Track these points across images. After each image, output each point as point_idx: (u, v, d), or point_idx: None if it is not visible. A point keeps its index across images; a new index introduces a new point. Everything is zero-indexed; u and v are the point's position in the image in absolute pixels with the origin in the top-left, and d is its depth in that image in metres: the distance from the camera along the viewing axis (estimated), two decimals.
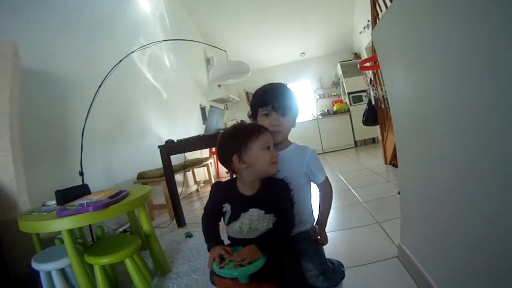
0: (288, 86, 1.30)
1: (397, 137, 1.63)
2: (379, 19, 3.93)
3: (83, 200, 1.68)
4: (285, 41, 8.05)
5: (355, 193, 3.21)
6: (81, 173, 2.54)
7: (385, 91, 3.88)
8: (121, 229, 3.01)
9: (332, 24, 7.58)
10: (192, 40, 5.08)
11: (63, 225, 1.57)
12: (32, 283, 1.94)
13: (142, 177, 3.48)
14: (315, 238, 1.24)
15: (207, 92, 7.33)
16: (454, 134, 0.97)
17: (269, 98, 1.22)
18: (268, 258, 1.01)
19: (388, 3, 3.42)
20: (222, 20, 7.06)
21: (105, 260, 1.66)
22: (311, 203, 1.32)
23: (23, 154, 2.18)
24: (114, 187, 3.10)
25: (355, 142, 8.17)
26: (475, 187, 0.90)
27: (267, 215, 1.07)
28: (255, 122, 1.24)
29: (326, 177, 1.30)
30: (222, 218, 1.18)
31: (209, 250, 1.08)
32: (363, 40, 7.34)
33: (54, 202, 2.00)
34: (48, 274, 1.79)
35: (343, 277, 1.29)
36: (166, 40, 4.76)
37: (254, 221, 1.07)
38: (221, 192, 1.17)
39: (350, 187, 3.53)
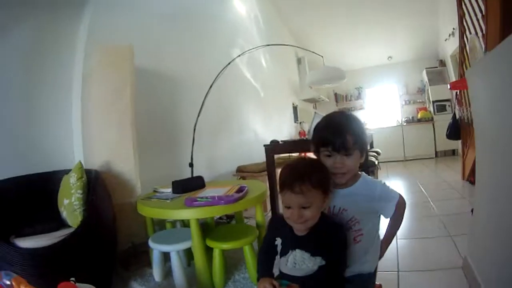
0: (353, 114, 1.16)
1: (478, 158, 1.77)
2: (466, 36, 4.04)
3: (208, 193, 1.92)
4: (373, 44, 8.11)
5: (433, 206, 3.46)
6: (191, 165, 2.76)
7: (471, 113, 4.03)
8: (215, 218, 3.25)
9: (418, 29, 7.47)
10: (291, 45, 5.35)
11: (193, 214, 1.78)
12: (132, 258, 2.32)
13: (242, 171, 3.80)
14: None
15: (298, 91, 7.69)
16: None
17: (329, 137, 1.06)
18: None
19: (473, 16, 3.46)
20: (312, 22, 7.27)
21: (227, 246, 1.83)
22: (378, 242, 1.22)
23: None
24: (215, 178, 3.52)
25: (436, 153, 8.03)
26: None
27: (312, 258, 1.03)
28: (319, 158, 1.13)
29: (399, 196, 1.15)
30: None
31: (258, 280, 1.09)
32: (449, 48, 7.04)
33: (167, 189, 2.28)
34: (162, 254, 2.03)
35: None
36: (268, 45, 5.12)
37: (299, 261, 1.05)
38: (275, 227, 1.17)
39: (429, 199, 3.77)
